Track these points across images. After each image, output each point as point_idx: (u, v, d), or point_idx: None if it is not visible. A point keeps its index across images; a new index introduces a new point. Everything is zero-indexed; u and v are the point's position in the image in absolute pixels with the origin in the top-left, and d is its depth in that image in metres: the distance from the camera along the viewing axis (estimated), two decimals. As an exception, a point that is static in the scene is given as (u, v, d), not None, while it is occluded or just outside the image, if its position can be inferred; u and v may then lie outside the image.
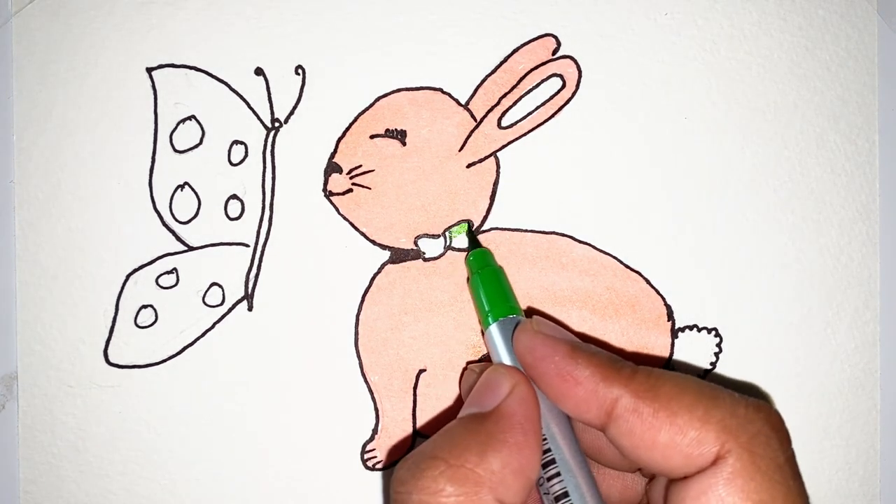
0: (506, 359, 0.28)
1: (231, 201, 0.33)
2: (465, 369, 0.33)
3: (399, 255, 0.33)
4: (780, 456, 0.23)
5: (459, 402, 0.33)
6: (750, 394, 0.25)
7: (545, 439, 0.26)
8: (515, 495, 0.24)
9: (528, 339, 0.27)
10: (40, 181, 0.33)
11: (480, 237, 0.33)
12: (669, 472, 0.24)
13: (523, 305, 0.33)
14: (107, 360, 0.33)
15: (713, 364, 0.34)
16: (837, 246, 0.34)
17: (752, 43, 0.34)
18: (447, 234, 0.33)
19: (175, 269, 0.33)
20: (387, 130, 0.33)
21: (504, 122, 0.33)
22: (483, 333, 0.30)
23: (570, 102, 0.33)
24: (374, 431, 0.33)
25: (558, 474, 0.26)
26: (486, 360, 0.33)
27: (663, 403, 0.24)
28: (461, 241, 0.33)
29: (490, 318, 0.29)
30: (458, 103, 0.33)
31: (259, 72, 0.33)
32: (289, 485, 0.33)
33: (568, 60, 0.33)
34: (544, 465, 0.26)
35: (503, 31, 0.33)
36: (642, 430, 0.24)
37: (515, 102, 0.33)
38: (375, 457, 0.33)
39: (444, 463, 0.24)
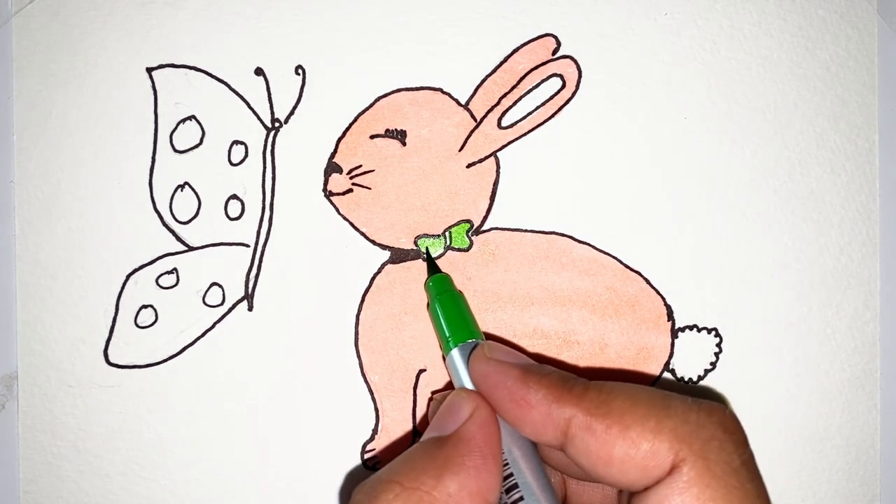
0: (467, 384, 0.28)
1: (231, 201, 0.33)
2: (430, 399, 0.33)
3: (399, 255, 0.33)
4: (735, 459, 0.23)
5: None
6: (706, 397, 0.25)
7: (507, 464, 0.26)
8: None
9: (481, 366, 0.27)
10: (40, 181, 0.33)
11: (480, 237, 0.33)
12: (629, 485, 0.24)
13: (523, 305, 0.33)
14: (107, 360, 0.33)
15: (713, 364, 0.34)
16: (837, 246, 0.34)
17: (752, 43, 0.34)
18: (447, 234, 0.33)
19: (175, 269, 0.33)
20: (387, 130, 0.33)
21: (504, 122, 0.33)
22: (444, 359, 0.30)
23: (570, 102, 0.33)
24: (374, 431, 0.33)
25: (522, 499, 0.26)
26: (450, 387, 0.33)
27: (615, 418, 0.24)
28: (461, 241, 0.33)
29: (451, 344, 0.29)
30: (458, 103, 0.33)
31: (259, 72, 0.33)
32: (289, 485, 0.33)
33: (568, 60, 0.33)
34: (508, 490, 0.26)
35: (503, 31, 0.33)
36: (597, 447, 0.24)
37: (515, 102, 0.33)
38: (375, 457, 0.33)
39: (400, 486, 0.24)
